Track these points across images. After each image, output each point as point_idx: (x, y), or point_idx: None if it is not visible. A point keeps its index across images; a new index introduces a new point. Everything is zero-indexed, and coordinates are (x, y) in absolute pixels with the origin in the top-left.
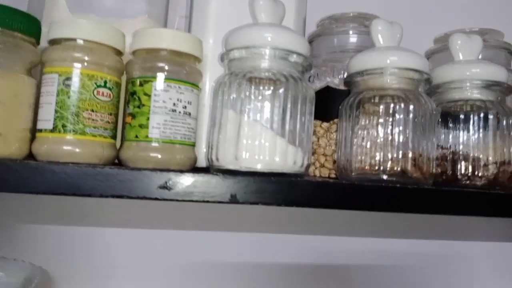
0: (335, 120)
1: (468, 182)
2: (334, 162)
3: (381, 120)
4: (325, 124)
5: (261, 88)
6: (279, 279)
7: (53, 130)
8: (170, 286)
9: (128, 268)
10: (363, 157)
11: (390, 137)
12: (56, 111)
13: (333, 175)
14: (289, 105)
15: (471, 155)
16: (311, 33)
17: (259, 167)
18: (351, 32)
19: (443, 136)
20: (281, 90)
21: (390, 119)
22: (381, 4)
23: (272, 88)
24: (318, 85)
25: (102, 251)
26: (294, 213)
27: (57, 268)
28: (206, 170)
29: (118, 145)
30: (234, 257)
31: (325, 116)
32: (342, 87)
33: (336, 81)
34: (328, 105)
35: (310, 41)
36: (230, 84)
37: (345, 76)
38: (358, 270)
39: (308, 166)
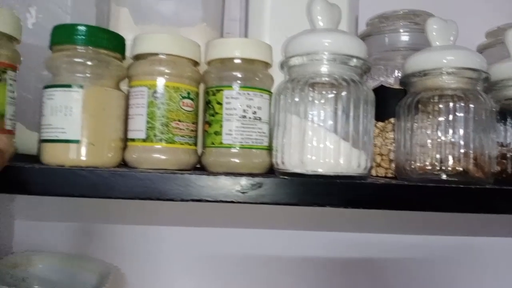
0: (390, 119)
1: None
2: (390, 161)
3: (441, 119)
4: (380, 124)
5: (323, 92)
6: (315, 273)
7: (145, 140)
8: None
9: (187, 264)
10: (423, 157)
11: (450, 137)
12: (147, 122)
13: (389, 175)
14: (351, 109)
15: None
16: (362, 32)
17: (324, 170)
18: (401, 30)
19: (502, 133)
20: (343, 94)
21: (451, 119)
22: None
23: (334, 92)
24: (371, 84)
25: (166, 249)
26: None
27: (127, 266)
28: (272, 173)
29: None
30: (274, 252)
31: (379, 116)
32: (396, 86)
33: (390, 80)
34: (383, 104)
35: None
36: (293, 90)
37: (399, 75)
38: (390, 263)
39: (371, 168)
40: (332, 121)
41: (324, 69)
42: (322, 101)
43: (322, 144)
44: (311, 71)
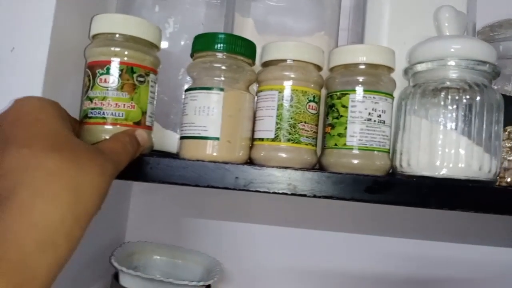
0: (506, 127)
1: None
2: (505, 170)
3: None
4: None
5: (456, 97)
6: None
7: (274, 139)
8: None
9: (286, 265)
10: None
11: None
12: (277, 123)
13: (503, 184)
14: (484, 113)
15: None
16: None
17: (454, 173)
18: None
19: None
20: (477, 99)
21: None
22: None
23: (467, 97)
24: None
25: (262, 246)
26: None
27: (229, 261)
28: (390, 175)
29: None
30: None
31: None
32: None
33: (506, 88)
34: None
35: None
36: (422, 94)
37: None
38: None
39: (499, 174)
40: (465, 126)
41: (454, 74)
42: (455, 105)
43: (453, 148)
44: (441, 76)
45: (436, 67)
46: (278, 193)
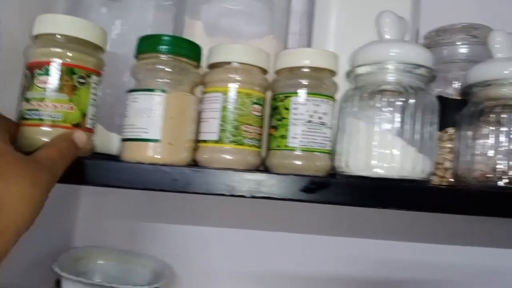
0: (447, 129)
1: None
2: (445, 170)
3: (503, 129)
4: (437, 133)
5: (391, 100)
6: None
7: (217, 141)
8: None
9: (237, 268)
10: (484, 165)
11: None
12: (220, 125)
13: (444, 183)
14: (419, 115)
15: None
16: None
17: (389, 173)
18: (459, 43)
19: None
20: (411, 101)
21: None
22: (488, 13)
23: (403, 99)
24: None
25: (215, 249)
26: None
27: (180, 265)
28: (332, 176)
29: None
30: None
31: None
32: (453, 96)
33: (448, 91)
34: (440, 114)
35: None
36: (360, 97)
37: (458, 86)
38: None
39: (432, 174)
40: (399, 127)
41: (392, 77)
42: (390, 108)
43: (388, 148)
44: (379, 79)
45: (374, 71)
46: (217, 194)
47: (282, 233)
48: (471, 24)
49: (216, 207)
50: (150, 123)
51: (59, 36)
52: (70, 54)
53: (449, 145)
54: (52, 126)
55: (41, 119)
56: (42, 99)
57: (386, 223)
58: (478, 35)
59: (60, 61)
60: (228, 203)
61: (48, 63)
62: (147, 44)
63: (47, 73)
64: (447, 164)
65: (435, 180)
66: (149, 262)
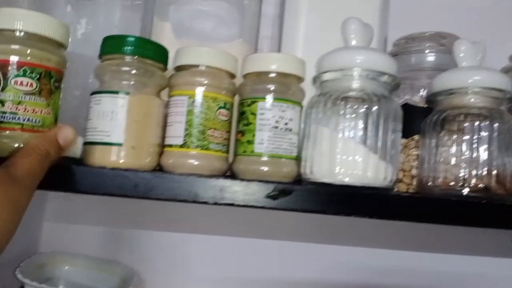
0: (414, 136)
1: None
2: (412, 177)
3: (466, 138)
4: (403, 140)
5: (355, 107)
6: None
7: (182, 146)
8: None
9: (209, 275)
10: (447, 173)
11: (474, 154)
12: (186, 129)
13: (410, 190)
14: (381, 123)
15: None
16: (388, 52)
17: (352, 181)
18: (427, 51)
19: None
20: (374, 109)
21: (475, 137)
22: (456, 22)
23: (365, 106)
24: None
25: (186, 255)
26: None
27: (149, 271)
28: (299, 182)
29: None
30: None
31: (403, 132)
32: (420, 104)
33: (414, 99)
34: (407, 121)
35: None
36: (325, 103)
37: (425, 94)
38: None
39: (396, 181)
40: (362, 134)
41: (356, 84)
42: (353, 115)
43: (351, 156)
44: (343, 85)
45: (339, 77)
46: (179, 201)
47: (254, 240)
48: (439, 33)
49: (187, 213)
50: (113, 126)
51: (19, 32)
52: (32, 52)
53: (416, 153)
54: (31, 131)
55: (20, 123)
56: (20, 102)
57: (366, 229)
58: (446, 43)
59: (18, 58)
60: (201, 208)
61: (7, 62)
62: (112, 45)
63: (25, 74)
64: (414, 172)
65: (402, 187)
66: (117, 269)
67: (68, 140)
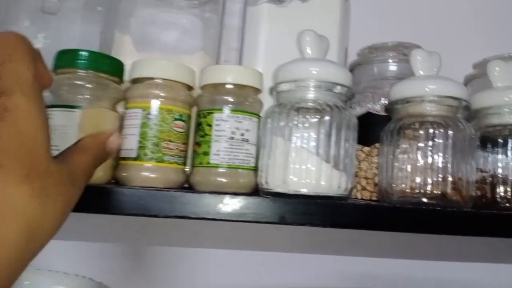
0: (376, 144)
1: (507, 205)
2: (375, 185)
3: (421, 145)
4: (366, 148)
5: (307, 117)
6: None
7: (136, 159)
8: None
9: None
10: (404, 181)
11: (430, 161)
12: (139, 142)
13: (374, 198)
14: (334, 132)
15: (510, 178)
16: (352, 62)
17: (305, 190)
18: (390, 60)
19: (482, 159)
20: (326, 118)
21: (430, 144)
22: (419, 32)
23: (318, 117)
24: (359, 110)
25: (162, 270)
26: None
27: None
28: (257, 192)
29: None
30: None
31: (366, 141)
32: (382, 113)
33: (376, 107)
34: (369, 130)
35: (351, 69)
36: (279, 113)
37: (385, 102)
38: None
39: (351, 190)
40: (315, 144)
41: (310, 95)
42: (306, 124)
43: (304, 165)
44: (298, 96)
45: (293, 88)
46: (128, 215)
47: (248, 252)
48: (402, 43)
49: (158, 224)
50: (64, 140)
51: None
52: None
53: (376, 160)
54: None
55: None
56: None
57: (361, 238)
58: (408, 53)
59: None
60: (190, 222)
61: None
62: (64, 59)
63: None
64: (377, 179)
65: (366, 195)
66: (81, 283)
67: (116, 148)
